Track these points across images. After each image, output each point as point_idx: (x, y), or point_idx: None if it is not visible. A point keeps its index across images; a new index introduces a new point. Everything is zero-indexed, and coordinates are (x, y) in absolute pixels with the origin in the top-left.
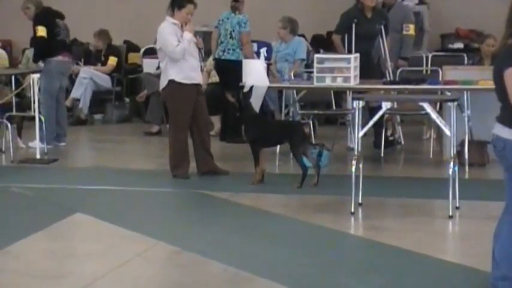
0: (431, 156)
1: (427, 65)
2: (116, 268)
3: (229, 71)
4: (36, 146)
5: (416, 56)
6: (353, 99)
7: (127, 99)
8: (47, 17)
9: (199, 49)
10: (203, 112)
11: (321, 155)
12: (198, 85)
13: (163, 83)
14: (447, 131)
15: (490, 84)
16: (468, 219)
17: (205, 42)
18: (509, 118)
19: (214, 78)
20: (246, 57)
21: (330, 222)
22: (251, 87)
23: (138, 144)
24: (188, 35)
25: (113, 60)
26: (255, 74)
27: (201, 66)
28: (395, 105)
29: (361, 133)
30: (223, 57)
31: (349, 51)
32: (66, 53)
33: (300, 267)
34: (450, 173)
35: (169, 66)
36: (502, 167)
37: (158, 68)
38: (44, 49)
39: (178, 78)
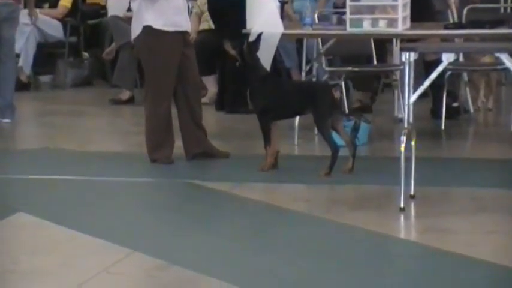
0: None
1: (506, 1)
2: None
3: (228, 13)
4: None
5: None
6: (402, 50)
7: (86, 54)
8: None
9: None
10: (192, 71)
11: (358, 129)
12: (185, 33)
13: (136, 30)
14: None
15: None
16: None
17: None
18: None
19: (207, 23)
20: None
21: (371, 223)
22: (259, 36)
23: (103, 117)
24: None
25: (66, 0)
26: (264, 16)
27: (188, 7)
28: (461, 58)
29: (414, 97)
30: None
31: None
32: None
33: (331, 287)
34: None
35: (144, 7)
36: None
37: (129, 9)
38: None
39: (157, 24)
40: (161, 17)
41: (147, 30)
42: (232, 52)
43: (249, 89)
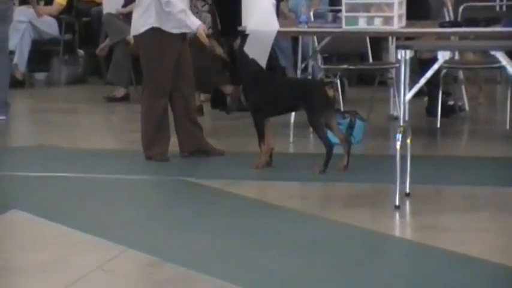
0: (507, 127)
1: (501, 0)
2: (68, 286)
3: (220, 12)
4: None
5: None
6: (397, 48)
7: (81, 52)
8: None
9: None
10: (186, 66)
11: (353, 127)
12: (185, 33)
13: (139, 28)
14: None
15: None
16: None
17: None
18: None
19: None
20: None
21: (366, 221)
22: (245, 34)
23: (97, 115)
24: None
25: None
26: (259, 14)
27: None
28: (456, 57)
29: (409, 96)
30: None
31: None
32: None
33: (325, 284)
34: None
35: (154, 8)
36: None
37: (124, 5)
38: None
39: (167, 26)
40: (170, 19)
41: (156, 31)
42: (221, 52)
43: (242, 86)
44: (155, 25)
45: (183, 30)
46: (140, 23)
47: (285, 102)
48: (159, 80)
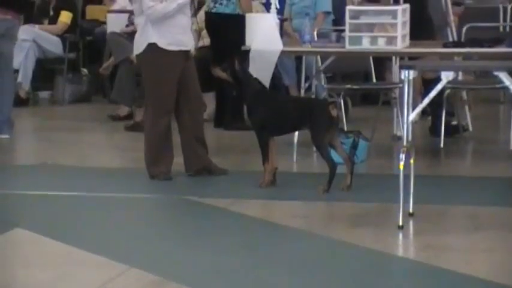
0: (511, 147)
1: (504, 20)
2: None
3: (223, 31)
4: None
5: (489, 7)
6: (401, 68)
7: (85, 70)
8: None
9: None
10: (194, 84)
11: (356, 146)
12: (187, 52)
13: (139, 46)
14: None
15: None
16: None
17: None
18: None
19: (207, 39)
20: (244, 11)
21: (369, 240)
22: (244, 51)
23: (101, 133)
24: None
25: (65, 17)
26: (263, 33)
27: None
28: (460, 77)
29: (413, 116)
30: (214, 10)
31: (396, 1)
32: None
33: None
34: None
35: (150, 25)
36: None
37: (128, 25)
38: None
39: (163, 42)
40: (167, 36)
41: (152, 47)
42: (222, 74)
43: (246, 105)
44: (151, 41)
45: (182, 47)
46: (141, 42)
47: (288, 121)
48: (160, 98)
